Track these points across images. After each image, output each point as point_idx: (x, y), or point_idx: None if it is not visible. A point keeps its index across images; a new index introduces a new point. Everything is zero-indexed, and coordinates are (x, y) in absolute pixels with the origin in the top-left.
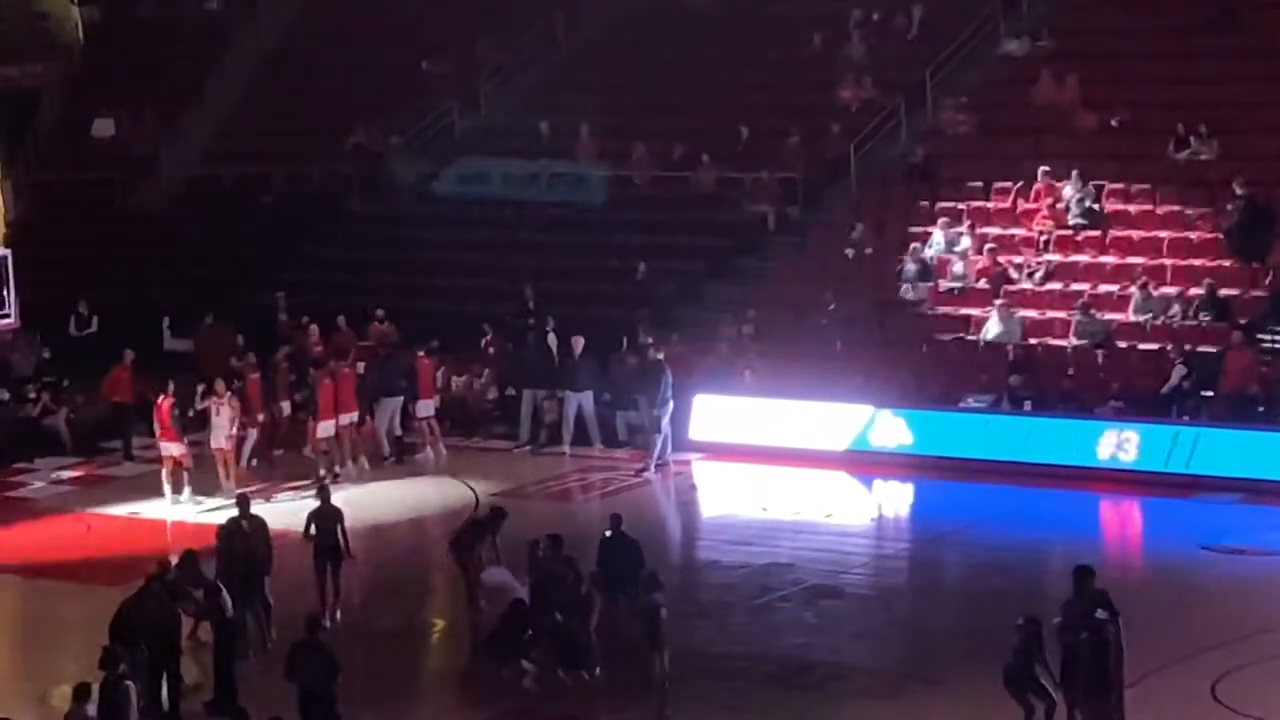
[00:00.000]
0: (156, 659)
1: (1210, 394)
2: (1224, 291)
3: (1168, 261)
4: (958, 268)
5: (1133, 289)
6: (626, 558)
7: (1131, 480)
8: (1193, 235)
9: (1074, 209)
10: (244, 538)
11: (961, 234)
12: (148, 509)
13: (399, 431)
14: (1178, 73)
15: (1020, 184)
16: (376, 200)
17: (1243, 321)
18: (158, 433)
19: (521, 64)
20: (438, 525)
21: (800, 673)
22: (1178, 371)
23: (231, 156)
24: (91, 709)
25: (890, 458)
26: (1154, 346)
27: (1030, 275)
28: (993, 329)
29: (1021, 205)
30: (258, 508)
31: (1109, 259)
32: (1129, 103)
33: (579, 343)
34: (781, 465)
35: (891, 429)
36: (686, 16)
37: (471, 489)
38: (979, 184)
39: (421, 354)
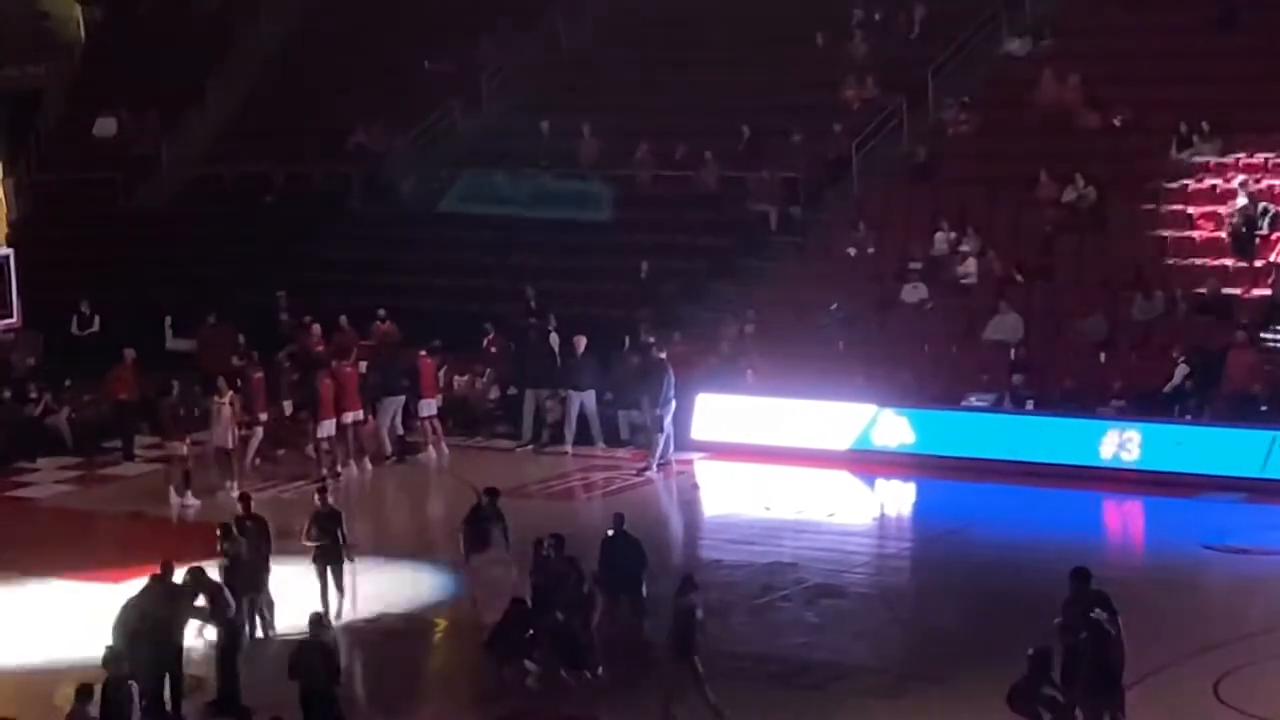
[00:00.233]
0: (159, 659)
1: (1213, 393)
2: (1227, 291)
3: (1170, 261)
4: (959, 267)
5: (1135, 288)
6: (628, 557)
7: (1134, 480)
8: (1195, 235)
9: (1076, 208)
10: (246, 537)
11: (963, 233)
12: (150, 508)
13: (401, 431)
14: (1180, 72)
15: (1022, 183)
16: (378, 200)
17: (1245, 321)
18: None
19: (523, 63)
20: (439, 525)
21: (802, 672)
22: (1180, 371)
23: (233, 156)
24: (94, 709)
25: (892, 457)
26: (1157, 346)
27: (1032, 274)
28: (995, 328)
29: (1023, 205)
30: (259, 507)
31: (1112, 258)
32: (1131, 102)
33: (581, 342)
34: (784, 464)
35: (894, 428)
36: (688, 16)
37: (475, 489)
38: (981, 183)
39: (423, 353)
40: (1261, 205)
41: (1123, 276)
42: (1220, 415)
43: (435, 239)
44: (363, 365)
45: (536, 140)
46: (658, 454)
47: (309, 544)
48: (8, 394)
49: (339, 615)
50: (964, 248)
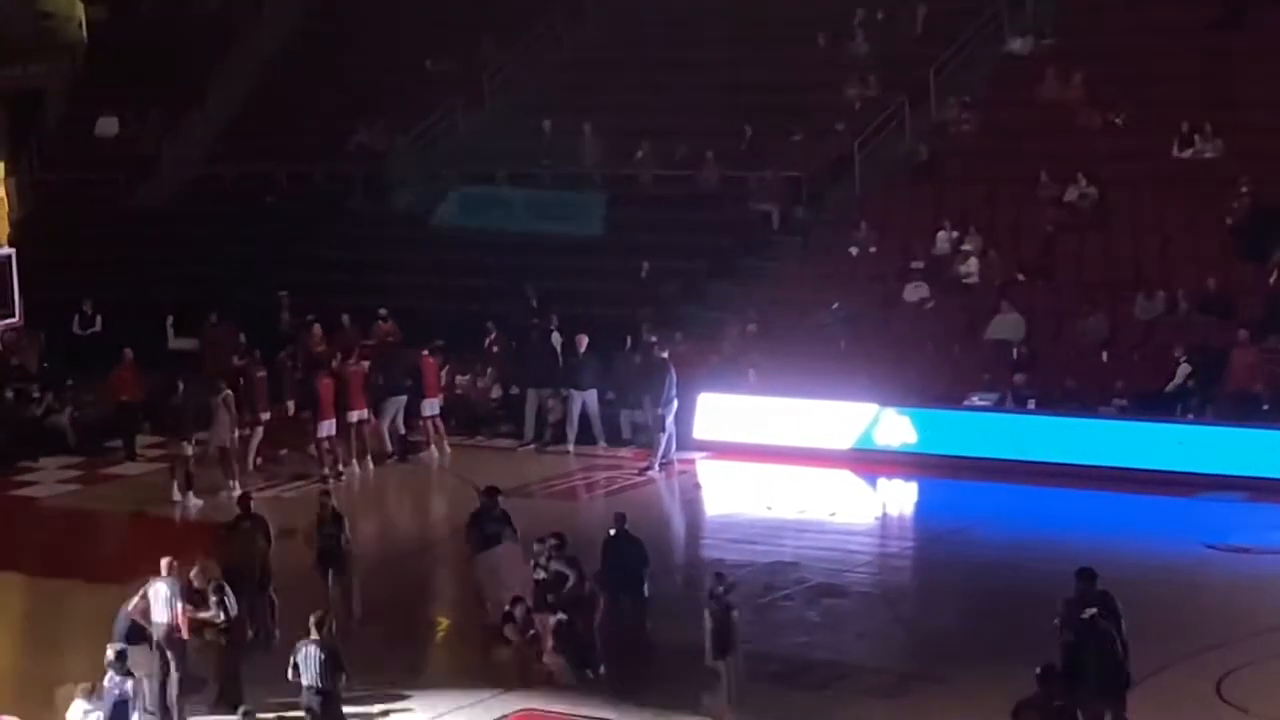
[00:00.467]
0: (161, 658)
1: (1215, 392)
2: (1229, 290)
3: (1173, 260)
4: (961, 266)
5: (1137, 288)
6: (630, 557)
7: (1136, 479)
8: (1197, 234)
9: (1078, 207)
10: (247, 536)
11: (965, 232)
12: (152, 508)
13: (403, 430)
14: (1182, 71)
15: (1024, 182)
16: (379, 200)
17: (1248, 320)
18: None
19: (525, 63)
20: (442, 524)
21: (803, 671)
22: (1182, 370)
23: (234, 156)
24: (96, 708)
25: (894, 456)
26: (1158, 345)
27: (1034, 274)
28: (997, 328)
29: (1025, 204)
30: (260, 507)
31: (1114, 258)
32: (1133, 101)
33: (583, 341)
34: (786, 464)
35: (896, 427)
36: (689, 16)
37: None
38: (983, 182)
39: (425, 353)
40: (1264, 204)
41: (1125, 276)
42: (1222, 414)
43: (436, 239)
44: (365, 364)
45: (537, 140)
46: (660, 453)
47: (312, 549)
48: (10, 393)
49: (340, 616)
50: (966, 247)
